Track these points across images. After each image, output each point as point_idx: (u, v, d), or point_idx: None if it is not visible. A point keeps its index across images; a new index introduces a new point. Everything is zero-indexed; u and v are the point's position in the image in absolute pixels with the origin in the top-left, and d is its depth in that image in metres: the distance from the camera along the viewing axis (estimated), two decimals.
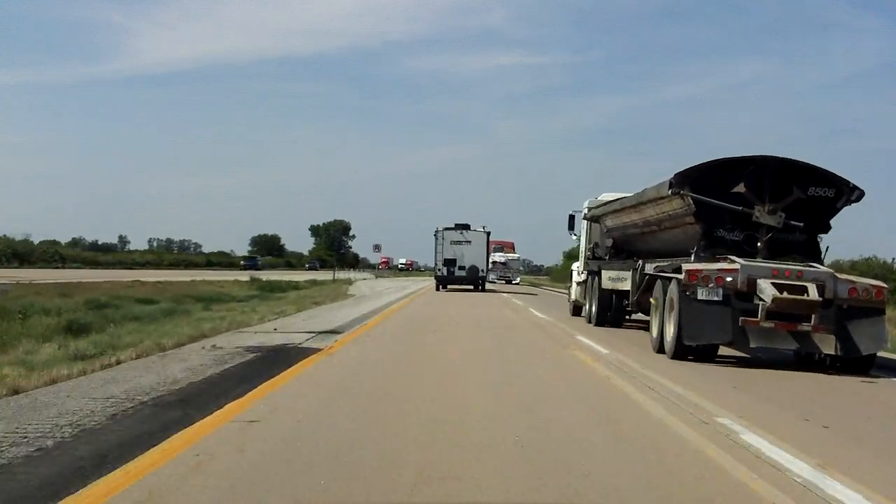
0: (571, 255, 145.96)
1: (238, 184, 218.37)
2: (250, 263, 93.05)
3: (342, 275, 64.59)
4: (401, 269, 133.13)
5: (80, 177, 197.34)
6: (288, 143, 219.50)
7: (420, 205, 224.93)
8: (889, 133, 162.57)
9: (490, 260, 49.80)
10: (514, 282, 61.17)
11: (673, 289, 11.99)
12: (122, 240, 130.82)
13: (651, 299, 13.73)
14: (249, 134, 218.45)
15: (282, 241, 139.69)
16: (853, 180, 12.35)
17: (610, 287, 17.50)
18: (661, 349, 12.47)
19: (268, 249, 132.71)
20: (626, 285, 16.97)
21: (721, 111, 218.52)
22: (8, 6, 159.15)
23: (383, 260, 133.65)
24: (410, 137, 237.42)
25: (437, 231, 45.95)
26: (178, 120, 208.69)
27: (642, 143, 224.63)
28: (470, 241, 45.48)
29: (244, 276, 48.72)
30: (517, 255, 67.56)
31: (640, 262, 16.42)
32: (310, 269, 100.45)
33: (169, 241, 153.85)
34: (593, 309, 18.61)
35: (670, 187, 12.54)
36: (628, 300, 17.07)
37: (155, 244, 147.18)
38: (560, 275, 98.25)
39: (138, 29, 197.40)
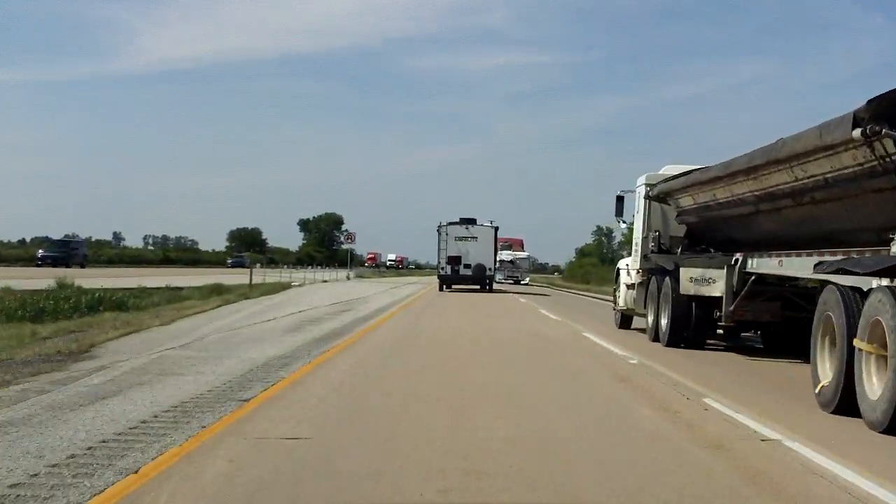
0: (585, 252, 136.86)
1: (238, 183, 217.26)
2: (56, 256, 54.19)
3: (277, 276, 42.70)
4: (389, 267, 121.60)
5: (80, 176, 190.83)
6: (288, 143, 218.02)
7: (421, 204, 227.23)
8: None
9: (497, 258, 44.38)
10: (522, 282, 55.68)
11: (888, 308, 6.57)
12: (117, 236, 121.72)
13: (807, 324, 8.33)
14: (249, 133, 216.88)
15: (264, 236, 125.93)
16: None
17: (692, 292, 12.19)
18: (841, 408, 7.10)
19: (248, 245, 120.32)
20: (717, 290, 11.76)
21: (721, 111, 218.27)
22: (8, 4, 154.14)
23: (370, 256, 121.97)
24: (411, 137, 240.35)
25: (440, 226, 40.88)
26: (177, 119, 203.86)
27: (642, 142, 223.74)
28: (476, 238, 40.49)
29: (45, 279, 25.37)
30: (526, 254, 61.79)
31: (740, 256, 11.23)
32: (234, 266, 74.00)
33: (165, 237, 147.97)
34: (662, 322, 13.32)
35: (858, 125, 7.09)
36: (720, 311, 11.79)
37: (150, 241, 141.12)
38: (574, 273, 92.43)
39: (138, 28, 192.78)
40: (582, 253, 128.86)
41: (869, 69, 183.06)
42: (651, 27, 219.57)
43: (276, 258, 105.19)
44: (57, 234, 77.48)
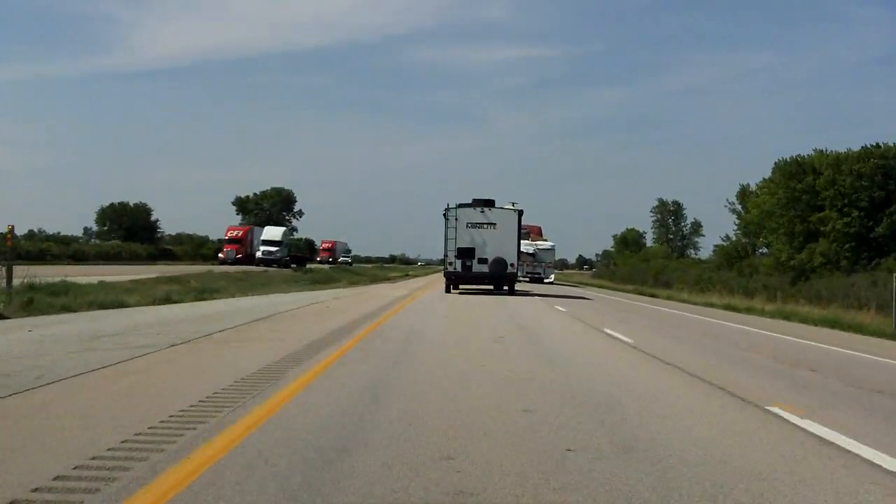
0: (628, 240, 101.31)
1: (238, 178, 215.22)
2: None
3: None
4: (264, 262, 58.51)
5: (75, 173, 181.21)
6: (284, 138, 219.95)
7: (420, 199, 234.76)
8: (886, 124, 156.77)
9: (519, 251, 36.15)
10: (546, 280, 46.78)
11: None
12: (87, 232, 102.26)
13: None
14: (248, 127, 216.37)
15: (153, 217, 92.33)
16: None
17: None
18: None
19: (127, 229, 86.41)
20: None
21: (722, 101, 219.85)
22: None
23: (230, 239, 65.18)
24: (409, 130, 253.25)
25: (447, 209, 32.81)
26: (176, 113, 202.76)
27: (643, 133, 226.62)
28: (494, 224, 32.66)
29: None
30: (550, 243, 52.24)
31: None
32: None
33: None
34: None
35: None
36: None
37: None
38: (631, 270, 69.08)
39: (134, 23, 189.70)
40: (624, 241, 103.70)
41: (869, 60, 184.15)
42: (650, 18, 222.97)
43: (173, 251, 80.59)
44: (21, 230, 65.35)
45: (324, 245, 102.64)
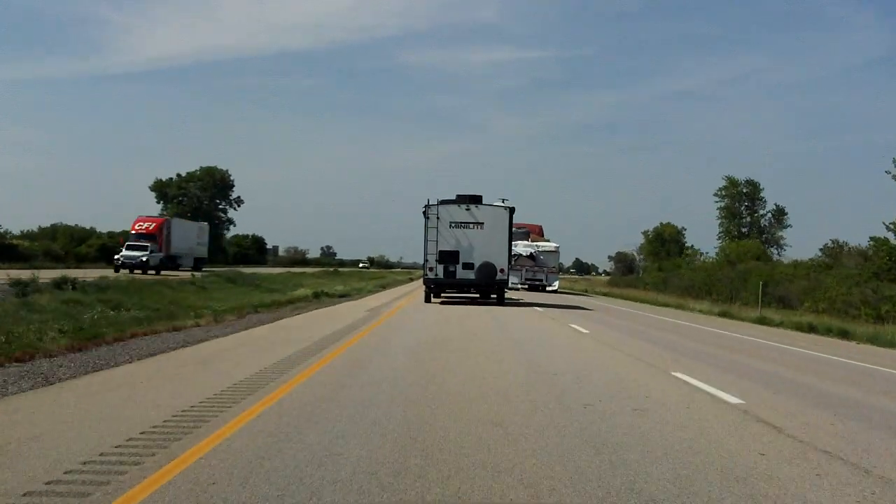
0: (662, 236, 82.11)
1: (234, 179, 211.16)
2: None
3: None
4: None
5: (70, 173, 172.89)
6: (276, 139, 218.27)
7: (411, 202, 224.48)
8: (879, 127, 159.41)
9: (511, 254, 32.31)
10: (549, 287, 42.01)
11: None
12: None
13: None
14: (240, 129, 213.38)
15: None
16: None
17: None
18: None
19: None
20: None
21: (716, 105, 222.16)
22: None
23: None
24: (403, 133, 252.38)
25: (427, 206, 28.81)
26: (168, 115, 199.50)
27: (637, 136, 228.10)
28: (482, 224, 28.91)
29: None
30: (553, 245, 46.96)
31: None
32: None
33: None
34: None
35: None
36: None
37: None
38: (706, 274, 49.00)
39: (127, 25, 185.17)
40: (659, 238, 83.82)
41: (860, 64, 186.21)
42: (643, 21, 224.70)
43: (19, 247, 55.46)
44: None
45: (136, 226, 53.08)
